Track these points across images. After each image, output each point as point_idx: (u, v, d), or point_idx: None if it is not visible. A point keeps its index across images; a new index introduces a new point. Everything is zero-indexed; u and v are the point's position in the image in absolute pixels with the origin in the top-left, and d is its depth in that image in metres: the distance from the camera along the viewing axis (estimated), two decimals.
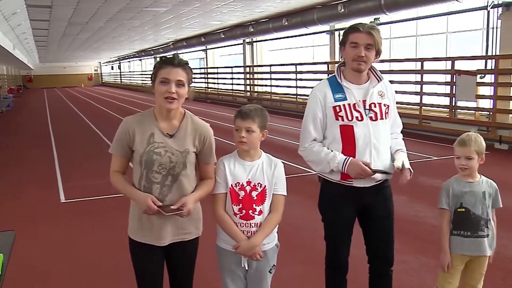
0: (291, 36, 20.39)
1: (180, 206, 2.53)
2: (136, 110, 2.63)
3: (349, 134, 2.87)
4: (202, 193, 2.69)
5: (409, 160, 3.01)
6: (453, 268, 3.03)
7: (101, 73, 68.95)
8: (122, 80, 57.83)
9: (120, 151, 2.65)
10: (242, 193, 2.69)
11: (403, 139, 3.15)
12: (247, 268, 2.75)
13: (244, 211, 2.69)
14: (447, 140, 11.37)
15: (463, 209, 2.98)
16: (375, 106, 2.90)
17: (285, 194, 2.79)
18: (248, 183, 2.70)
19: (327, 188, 3.02)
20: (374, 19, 14.36)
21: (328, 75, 17.31)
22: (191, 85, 2.66)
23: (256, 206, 2.70)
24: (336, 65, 3.04)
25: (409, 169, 2.89)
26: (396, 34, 16.36)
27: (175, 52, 28.46)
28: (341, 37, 2.97)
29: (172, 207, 2.54)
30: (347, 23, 15.40)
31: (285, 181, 2.81)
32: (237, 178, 2.70)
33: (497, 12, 11.30)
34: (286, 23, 17.32)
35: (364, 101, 2.89)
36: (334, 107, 2.88)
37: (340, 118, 2.88)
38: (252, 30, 20.12)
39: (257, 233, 2.69)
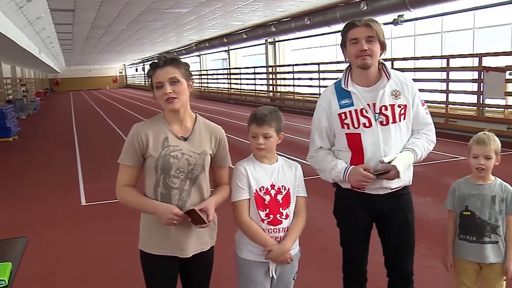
0: (314, 35, 20.21)
1: (202, 210, 2.42)
2: (158, 111, 2.57)
3: (357, 143, 2.71)
4: (220, 198, 2.58)
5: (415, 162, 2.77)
6: (466, 272, 2.92)
7: (126, 75, 69.79)
8: (146, 82, 58.29)
9: (132, 160, 2.50)
10: (267, 198, 2.59)
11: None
12: (275, 277, 2.64)
13: (271, 216, 2.58)
14: None
15: (469, 212, 2.87)
16: (386, 109, 2.69)
17: (306, 195, 2.72)
18: (272, 186, 2.61)
19: (340, 194, 2.88)
20: (398, 16, 14.18)
21: None
22: (191, 78, 2.55)
23: (282, 210, 2.60)
24: (344, 69, 2.86)
25: (395, 166, 2.62)
26: (421, 31, 16.09)
27: (227, 48, 28.52)
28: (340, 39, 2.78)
29: (196, 209, 2.39)
30: None
31: (304, 183, 2.73)
32: (260, 182, 2.60)
33: None
34: (308, 22, 17.21)
35: (374, 104, 2.69)
36: (340, 115, 2.73)
37: (346, 126, 2.72)
38: (274, 29, 20.06)
39: (286, 238, 2.60)
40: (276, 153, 2.71)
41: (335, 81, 2.87)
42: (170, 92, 2.42)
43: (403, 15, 14.15)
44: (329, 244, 4.83)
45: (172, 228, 2.46)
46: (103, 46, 31.20)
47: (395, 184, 2.71)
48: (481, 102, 11.91)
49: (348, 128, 2.71)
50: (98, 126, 18.73)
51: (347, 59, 2.77)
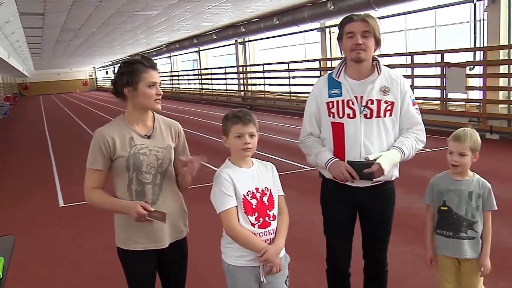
0: (283, 35, 20.44)
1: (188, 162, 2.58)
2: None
3: (340, 132, 2.78)
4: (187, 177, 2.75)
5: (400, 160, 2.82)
6: (446, 267, 2.92)
7: (96, 78, 68.80)
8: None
9: (100, 164, 2.56)
10: (254, 201, 2.53)
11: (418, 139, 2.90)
12: (265, 282, 2.55)
13: (261, 219, 2.53)
14: (439, 132, 11.44)
15: (446, 208, 2.86)
16: (372, 103, 2.75)
17: (284, 194, 2.72)
18: (257, 189, 2.56)
19: (325, 183, 2.97)
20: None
21: (320, 73, 17.28)
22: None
23: (269, 211, 2.57)
24: (339, 61, 2.93)
25: (380, 164, 2.66)
26: (386, 29, 16.43)
27: (198, 49, 28.07)
28: (336, 33, 2.86)
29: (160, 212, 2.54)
30: (337, 20, 15.50)
31: (280, 181, 2.75)
32: (246, 186, 2.53)
33: (483, 5, 11.40)
34: (277, 22, 17.36)
35: (361, 97, 2.75)
36: (328, 103, 2.81)
37: (331, 115, 2.80)
38: (243, 30, 20.17)
39: (277, 237, 2.56)
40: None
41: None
42: (161, 94, 2.61)
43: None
44: (303, 236, 4.96)
45: (147, 222, 2.55)
46: (73, 49, 30.73)
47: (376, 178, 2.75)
48: (444, 97, 12.33)
49: (334, 117, 2.80)
50: (70, 129, 18.60)
51: (342, 52, 2.85)
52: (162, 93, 2.62)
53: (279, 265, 2.52)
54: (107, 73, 61.93)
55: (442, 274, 2.95)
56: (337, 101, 2.79)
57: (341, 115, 2.78)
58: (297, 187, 6.91)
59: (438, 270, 2.98)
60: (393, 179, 2.90)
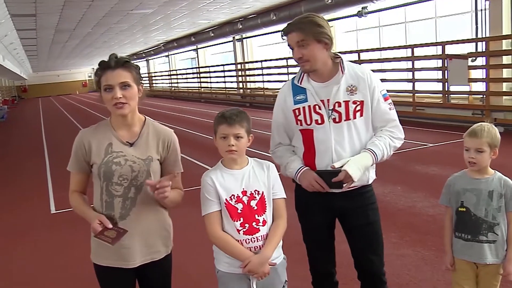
0: (281, 31, 20.20)
1: (160, 186, 2.25)
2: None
3: (310, 139, 2.63)
4: (171, 195, 2.37)
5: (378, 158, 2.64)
6: (464, 273, 2.72)
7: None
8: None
9: (77, 167, 2.42)
10: (240, 206, 2.38)
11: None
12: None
13: (247, 225, 2.38)
14: (442, 126, 11.29)
15: (464, 209, 2.66)
16: (339, 106, 2.58)
17: (285, 196, 2.53)
18: (244, 193, 2.40)
19: (299, 191, 2.77)
20: (362, 8, 14.31)
21: None
22: (141, 82, 2.44)
23: (258, 216, 2.40)
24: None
25: (346, 171, 2.50)
26: (385, 22, 16.27)
27: (196, 47, 28.09)
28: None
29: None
30: (335, 14, 15.34)
31: (281, 182, 2.56)
32: (230, 190, 2.39)
33: None
34: (274, 18, 17.21)
35: (328, 101, 2.59)
36: (294, 111, 2.65)
37: (299, 123, 2.64)
38: (241, 26, 20.06)
39: (265, 245, 2.39)
40: (247, 156, 2.55)
41: (293, 76, 2.82)
42: (120, 97, 2.29)
43: (366, 7, 14.23)
44: (300, 240, 4.96)
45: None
46: (70, 50, 30.72)
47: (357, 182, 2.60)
48: (446, 90, 12.11)
49: (301, 124, 2.65)
50: (67, 132, 18.39)
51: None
52: (119, 96, 2.29)
53: (266, 273, 2.36)
54: None
55: (458, 279, 2.75)
56: (303, 107, 2.63)
57: (308, 122, 2.62)
58: (289, 188, 6.63)
59: (454, 274, 2.78)
60: (370, 182, 2.72)
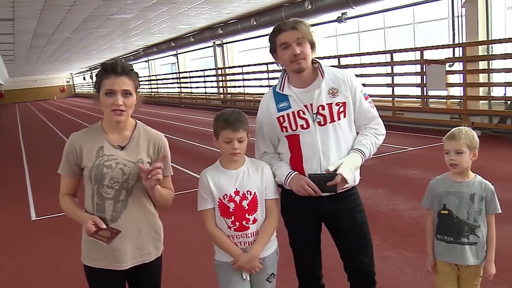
0: (261, 36, 20.32)
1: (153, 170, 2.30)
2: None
3: (296, 144, 2.69)
4: (162, 191, 2.47)
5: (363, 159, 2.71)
6: (446, 274, 2.80)
7: (74, 84, 68.16)
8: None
9: (67, 170, 2.47)
10: (232, 205, 2.55)
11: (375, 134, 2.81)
12: (248, 279, 2.62)
13: (237, 223, 2.56)
14: (421, 130, 11.46)
15: (446, 211, 2.74)
16: (323, 109, 2.66)
17: (277, 197, 2.68)
18: (237, 193, 2.56)
19: (284, 194, 2.82)
20: (342, 13, 14.45)
21: None
22: (139, 91, 2.48)
23: (249, 215, 2.57)
24: (280, 73, 2.84)
25: (341, 174, 2.58)
26: (364, 28, 16.46)
27: (176, 52, 28.05)
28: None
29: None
30: (315, 19, 15.45)
31: (274, 183, 2.70)
32: (223, 189, 2.56)
33: (461, 1, 11.40)
34: (254, 23, 17.27)
35: (311, 105, 2.66)
36: (278, 118, 2.71)
37: (284, 129, 2.70)
38: (221, 32, 20.04)
39: (255, 243, 2.57)
40: (244, 156, 2.68)
41: (274, 84, 2.86)
42: (121, 105, 2.34)
43: (346, 12, 14.37)
44: (286, 244, 4.98)
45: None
46: (48, 55, 30.37)
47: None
48: (425, 94, 12.29)
49: (287, 131, 2.70)
50: (46, 137, 18.24)
51: (279, 65, 2.77)
52: (121, 103, 2.34)
53: (256, 268, 2.57)
54: (84, 78, 61.37)
55: (441, 280, 2.83)
56: (287, 114, 2.69)
57: (294, 128, 2.68)
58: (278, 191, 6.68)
59: (437, 277, 2.86)
60: (356, 183, 2.78)
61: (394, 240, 4.90)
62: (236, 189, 2.56)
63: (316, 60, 2.74)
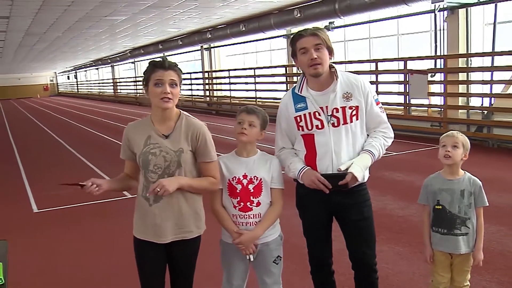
0: (249, 41, 20.64)
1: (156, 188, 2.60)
2: (94, 118, 2.71)
3: (311, 143, 2.88)
4: (194, 183, 2.73)
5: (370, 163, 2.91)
6: (440, 263, 3.08)
7: (57, 83, 67.46)
8: (79, 90, 57.03)
9: (125, 155, 2.84)
10: (239, 187, 2.82)
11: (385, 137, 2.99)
12: (252, 260, 2.85)
13: (242, 203, 2.82)
14: (403, 136, 11.80)
15: (440, 207, 3.00)
16: (337, 112, 2.84)
17: (283, 187, 2.90)
18: (245, 176, 2.83)
19: (299, 188, 3.03)
20: (329, 23, 14.77)
21: (286, 78, 17.36)
22: (181, 86, 2.78)
23: (253, 198, 2.82)
24: (300, 76, 3.01)
25: (352, 173, 2.76)
26: (351, 37, 16.81)
27: (163, 55, 28.29)
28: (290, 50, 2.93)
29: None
30: (303, 27, 15.70)
31: (281, 175, 2.92)
32: (233, 172, 2.84)
33: (443, 15, 11.84)
34: (243, 29, 17.49)
35: (326, 107, 2.84)
36: (296, 118, 2.90)
37: (301, 128, 2.90)
38: (210, 36, 20.21)
39: (257, 225, 2.82)
40: (257, 149, 2.94)
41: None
42: (169, 93, 2.63)
43: (334, 22, 14.73)
44: (286, 237, 5.19)
45: (149, 213, 2.71)
46: (36, 54, 30.13)
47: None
48: (407, 102, 12.73)
49: (303, 130, 2.89)
50: (35, 134, 18.22)
51: (299, 68, 2.94)
52: (169, 91, 2.64)
53: (249, 249, 2.81)
54: (68, 78, 60.83)
55: (436, 268, 3.12)
56: (304, 115, 2.88)
57: (309, 128, 2.88)
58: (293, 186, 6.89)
59: (433, 264, 3.14)
60: (365, 180, 2.97)
61: (386, 236, 5.18)
62: (245, 173, 2.84)
63: (332, 65, 2.90)
